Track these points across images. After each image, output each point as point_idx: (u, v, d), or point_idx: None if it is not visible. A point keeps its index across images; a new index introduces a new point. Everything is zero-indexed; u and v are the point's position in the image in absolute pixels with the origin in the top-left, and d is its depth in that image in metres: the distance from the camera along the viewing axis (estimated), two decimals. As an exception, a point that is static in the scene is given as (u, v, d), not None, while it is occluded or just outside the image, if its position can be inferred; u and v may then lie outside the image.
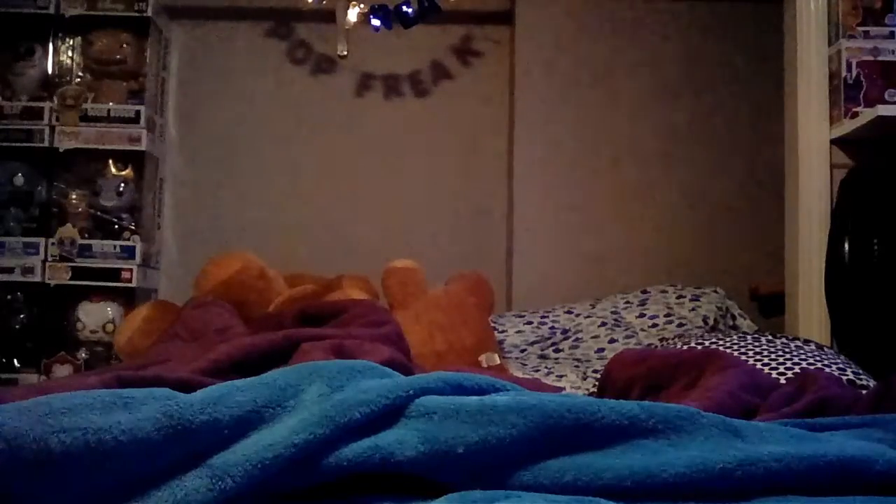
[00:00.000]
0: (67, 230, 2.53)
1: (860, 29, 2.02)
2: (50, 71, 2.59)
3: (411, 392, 0.74)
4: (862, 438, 0.78)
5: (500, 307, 2.50)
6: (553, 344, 2.16)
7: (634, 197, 2.72)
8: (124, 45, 2.60)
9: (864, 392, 1.19)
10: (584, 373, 1.85)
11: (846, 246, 1.90)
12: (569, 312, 2.27)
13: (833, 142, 2.05)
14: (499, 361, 1.78)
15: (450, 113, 2.85)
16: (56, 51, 2.60)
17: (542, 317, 2.25)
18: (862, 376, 1.44)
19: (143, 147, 2.58)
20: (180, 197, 2.84)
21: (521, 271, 2.70)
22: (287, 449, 0.65)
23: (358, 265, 2.13)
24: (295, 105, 2.84)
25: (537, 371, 1.87)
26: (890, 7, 2.03)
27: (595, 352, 2.08)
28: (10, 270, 2.50)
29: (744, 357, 1.45)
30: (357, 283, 1.90)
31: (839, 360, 1.49)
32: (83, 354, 2.50)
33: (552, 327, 2.21)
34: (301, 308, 1.53)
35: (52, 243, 2.52)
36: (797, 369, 1.40)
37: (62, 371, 2.47)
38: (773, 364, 1.43)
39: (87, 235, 2.55)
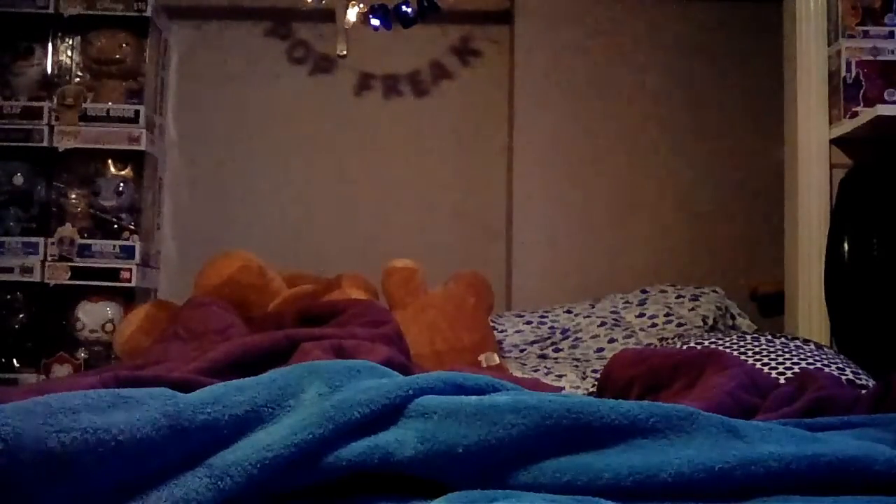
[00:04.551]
0: (67, 230, 2.53)
1: (860, 29, 2.02)
2: (49, 70, 2.59)
3: (410, 392, 0.74)
4: (862, 438, 0.78)
5: (500, 307, 2.50)
6: (552, 344, 2.16)
7: (634, 196, 2.72)
8: (123, 45, 2.60)
9: (863, 392, 1.19)
10: (584, 372, 1.85)
11: (846, 245, 1.90)
12: (568, 312, 2.27)
13: (833, 141, 2.05)
14: (498, 361, 1.78)
15: (449, 113, 2.85)
16: (55, 50, 2.59)
17: (542, 316, 2.25)
18: (861, 376, 1.44)
19: (142, 147, 2.58)
20: (180, 197, 2.84)
21: (520, 271, 2.70)
22: (286, 449, 0.65)
23: (358, 265, 2.12)
24: (294, 105, 2.84)
25: (537, 371, 1.87)
26: (889, 7, 2.03)
27: (594, 351, 2.08)
28: (9, 270, 2.50)
29: (743, 357, 1.45)
30: (357, 283, 1.90)
31: (839, 360, 1.49)
32: (82, 354, 2.50)
33: (552, 327, 2.21)
34: (301, 308, 1.53)
35: (52, 243, 2.52)
36: (797, 369, 1.40)
37: (62, 371, 2.47)
38: (773, 364, 1.43)
39: (86, 235, 2.54)
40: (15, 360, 2.49)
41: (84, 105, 2.56)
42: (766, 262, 2.55)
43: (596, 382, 1.56)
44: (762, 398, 1.10)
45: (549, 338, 2.18)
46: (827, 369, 1.41)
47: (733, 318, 2.30)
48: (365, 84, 2.86)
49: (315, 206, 2.82)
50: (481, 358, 1.75)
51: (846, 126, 1.98)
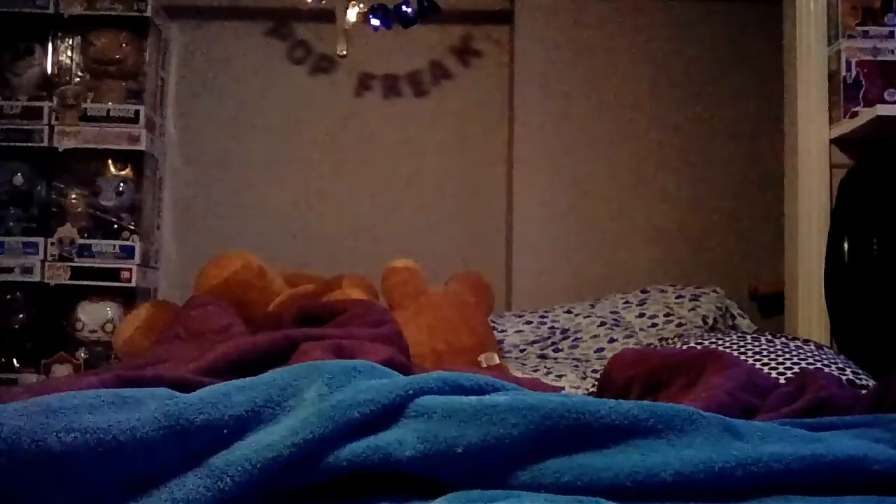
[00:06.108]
0: (67, 230, 2.53)
1: (860, 29, 2.01)
2: (49, 70, 2.59)
3: (410, 392, 0.74)
4: (862, 438, 0.78)
5: (500, 307, 2.50)
6: (553, 344, 2.16)
7: (634, 197, 2.72)
8: (124, 45, 2.60)
9: (863, 392, 1.19)
10: (584, 372, 1.85)
11: (846, 246, 1.90)
12: (568, 312, 2.26)
13: (833, 142, 2.05)
14: (498, 361, 1.78)
15: (449, 113, 2.85)
16: (55, 50, 2.60)
17: (542, 316, 2.25)
18: (861, 376, 1.44)
19: (142, 147, 2.58)
20: (180, 197, 2.84)
21: (521, 271, 2.70)
22: (286, 449, 0.65)
23: (358, 265, 2.12)
24: (294, 105, 2.84)
25: (537, 371, 1.87)
26: (889, 7, 2.02)
27: (594, 351, 2.08)
28: (9, 270, 2.50)
29: (743, 357, 1.45)
30: (357, 283, 1.90)
31: (839, 360, 1.49)
32: (82, 354, 2.50)
33: (552, 327, 2.21)
34: (301, 308, 1.53)
35: (52, 243, 2.52)
36: (797, 369, 1.40)
37: (62, 371, 2.47)
38: (773, 364, 1.43)
39: (86, 235, 2.54)
40: (15, 360, 2.49)
41: (84, 105, 2.57)
42: (766, 262, 2.55)
43: (596, 382, 1.56)
44: (762, 398, 1.10)
45: (549, 338, 2.18)
46: (827, 369, 1.41)
47: (733, 318, 2.30)
48: (365, 84, 2.87)
49: (315, 206, 2.82)
50: (481, 358, 1.75)
51: (846, 126, 1.98)
